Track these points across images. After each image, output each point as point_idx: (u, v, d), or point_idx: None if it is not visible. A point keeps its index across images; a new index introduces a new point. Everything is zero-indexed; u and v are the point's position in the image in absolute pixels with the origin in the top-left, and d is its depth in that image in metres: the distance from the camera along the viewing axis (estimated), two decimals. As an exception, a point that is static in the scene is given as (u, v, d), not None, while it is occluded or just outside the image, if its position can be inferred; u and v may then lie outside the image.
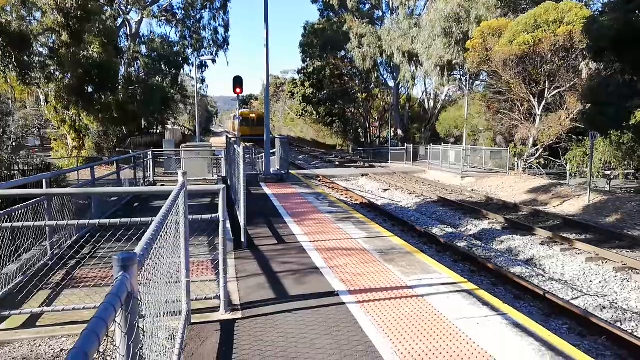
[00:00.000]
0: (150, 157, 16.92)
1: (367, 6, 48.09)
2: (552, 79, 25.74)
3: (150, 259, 2.39)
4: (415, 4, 41.12)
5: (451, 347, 4.18)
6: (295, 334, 4.45)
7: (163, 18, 39.86)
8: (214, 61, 43.13)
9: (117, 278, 1.71)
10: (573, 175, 23.90)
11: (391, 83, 48.93)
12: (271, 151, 17.80)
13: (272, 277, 6.15)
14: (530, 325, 4.65)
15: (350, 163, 36.66)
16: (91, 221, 4.97)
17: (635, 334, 7.28)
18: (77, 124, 27.20)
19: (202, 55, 41.10)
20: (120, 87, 30.21)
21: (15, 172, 13.67)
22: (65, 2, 22.56)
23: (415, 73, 42.77)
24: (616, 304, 8.64)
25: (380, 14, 48.30)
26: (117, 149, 30.58)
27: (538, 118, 26.57)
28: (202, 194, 12.51)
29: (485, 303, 5.19)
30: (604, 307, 8.34)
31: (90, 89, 26.86)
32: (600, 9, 26.27)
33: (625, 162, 22.01)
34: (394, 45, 40.07)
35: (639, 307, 8.48)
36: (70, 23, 22.94)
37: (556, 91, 25.91)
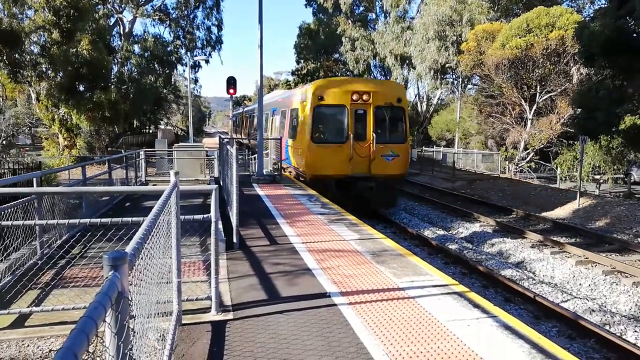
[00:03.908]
0: (143, 156, 16.82)
1: (361, 9, 48.19)
2: (543, 83, 25.98)
3: (141, 258, 2.37)
4: (408, 7, 41.28)
5: (442, 349, 4.19)
6: (287, 335, 4.44)
7: (156, 17, 39.69)
8: (207, 61, 43.09)
9: (107, 277, 1.70)
10: (563, 179, 24.11)
11: (384, 86, 49.00)
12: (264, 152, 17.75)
13: (264, 278, 6.13)
14: (520, 327, 4.67)
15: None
16: (82, 220, 4.93)
17: (623, 337, 7.35)
18: (69, 122, 27.00)
19: (196, 55, 40.98)
20: (112, 86, 30.02)
21: (5, 170, 13.54)
22: (56, 0, 22.39)
23: (408, 76, 42.93)
24: (605, 307, 8.71)
25: (374, 16, 48.45)
26: (109, 149, 30.40)
27: (529, 122, 26.79)
28: (195, 194, 12.45)
29: (476, 305, 5.21)
30: (593, 310, 8.41)
31: (82, 88, 26.67)
32: (592, 15, 26.53)
33: (615, 167, 22.23)
34: (386, 49, 40.21)
35: (628, 310, 8.56)
36: (61, 21, 22.77)
37: (547, 95, 26.14)
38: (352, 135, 14.11)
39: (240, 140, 34.93)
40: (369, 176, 14.34)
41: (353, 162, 14.15)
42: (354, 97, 14.28)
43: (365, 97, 14.35)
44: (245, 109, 38.52)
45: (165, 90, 43.70)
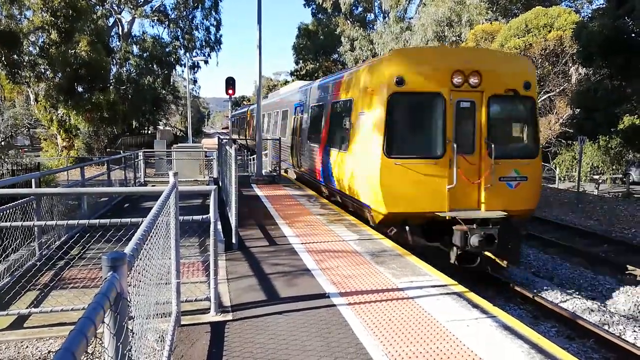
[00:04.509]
0: (142, 157, 16.81)
1: (360, 9, 48.26)
2: (542, 83, 26.01)
3: (140, 259, 2.37)
4: (407, 6, 41.32)
5: (441, 350, 4.19)
6: (286, 335, 4.44)
7: (155, 18, 39.69)
8: (206, 62, 43.07)
9: (106, 278, 1.70)
10: (562, 179, 24.14)
11: (383, 86, 49.01)
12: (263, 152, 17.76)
13: (263, 278, 6.13)
14: (519, 327, 4.67)
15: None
16: (80, 221, 4.93)
17: (622, 336, 7.35)
18: (67, 123, 27.00)
19: (195, 56, 40.99)
20: (111, 87, 30.01)
21: (4, 171, 13.53)
22: (53, 1, 22.37)
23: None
24: (604, 307, 8.71)
25: (373, 17, 48.51)
26: (108, 150, 30.38)
27: (528, 122, 26.83)
28: (194, 195, 12.45)
29: (475, 305, 5.21)
30: (592, 310, 8.41)
31: (80, 89, 26.67)
32: (590, 15, 26.61)
33: (614, 167, 22.27)
34: (386, 49, 40.21)
35: (627, 311, 8.57)
36: (59, 22, 22.76)
37: (546, 96, 26.17)
38: (454, 145, 8.52)
39: (244, 141, 33.33)
40: (483, 217, 8.49)
41: (454, 191, 8.56)
42: (456, 79, 8.74)
43: (473, 79, 8.78)
44: (252, 107, 32.73)
45: (163, 91, 43.71)
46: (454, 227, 8.34)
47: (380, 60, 9.54)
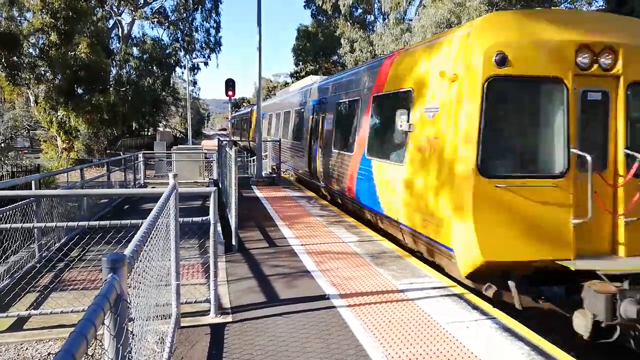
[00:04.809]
0: (141, 159, 16.82)
1: (359, 11, 48.33)
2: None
3: (140, 261, 2.37)
4: (407, 8, 41.39)
5: (441, 351, 4.19)
6: (286, 337, 4.44)
7: (155, 20, 39.74)
8: (206, 64, 43.18)
9: (106, 280, 1.70)
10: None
11: (383, 87, 49.04)
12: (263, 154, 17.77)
13: (263, 280, 6.13)
14: (520, 329, 4.67)
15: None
16: (80, 223, 4.93)
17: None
18: (67, 125, 27.02)
19: (195, 58, 41.07)
20: (110, 89, 30.02)
21: (4, 173, 13.53)
22: (53, 2, 22.40)
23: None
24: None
25: (372, 18, 48.57)
26: (108, 151, 30.38)
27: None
28: (193, 197, 12.45)
29: (475, 307, 5.21)
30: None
31: (80, 90, 26.69)
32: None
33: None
34: (386, 50, 40.29)
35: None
36: (59, 23, 22.78)
37: (546, 97, 26.17)
38: (588, 158, 5.58)
39: (247, 143, 31.50)
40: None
41: (583, 228, 5.68)
42: (581, 58, 5.87)
43: (606, 58, 5.94)
44: (269, 102, 27.29)
45: (163, 93, 43.75)
46: (593, 288, 5.31)
47: (468, 29, 6.26)
